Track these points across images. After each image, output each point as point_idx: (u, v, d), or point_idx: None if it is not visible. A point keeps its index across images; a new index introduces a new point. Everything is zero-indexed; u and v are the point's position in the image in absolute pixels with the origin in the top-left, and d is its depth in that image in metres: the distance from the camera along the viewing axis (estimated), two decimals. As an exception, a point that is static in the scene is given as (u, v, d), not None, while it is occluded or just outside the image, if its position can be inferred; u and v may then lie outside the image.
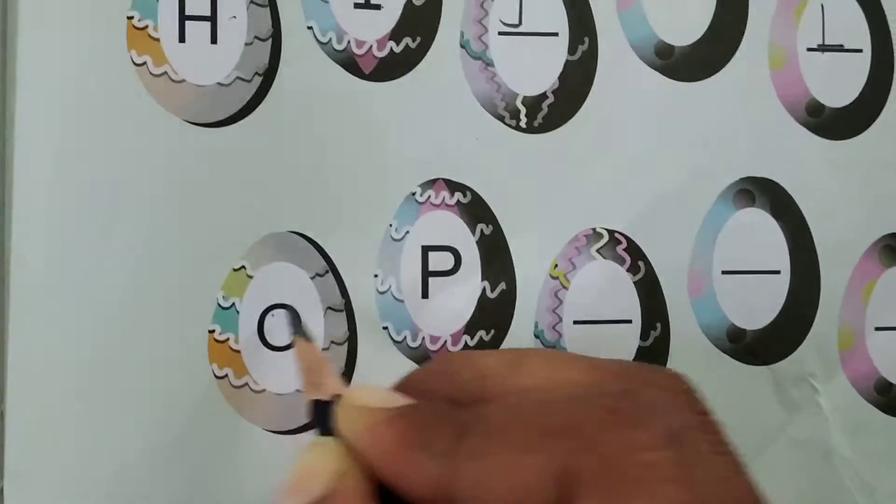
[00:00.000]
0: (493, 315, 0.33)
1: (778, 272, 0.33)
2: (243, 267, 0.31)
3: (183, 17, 0.30)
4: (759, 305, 0.34)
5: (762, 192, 0.34)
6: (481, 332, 0.33)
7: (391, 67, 0.32)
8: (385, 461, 0.21)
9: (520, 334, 0.33)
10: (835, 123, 0.34)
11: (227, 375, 0.31)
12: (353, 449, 0.22)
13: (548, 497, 0.19)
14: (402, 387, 0.23)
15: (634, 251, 0.33)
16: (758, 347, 0.34)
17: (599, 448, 0.18)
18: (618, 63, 0.33)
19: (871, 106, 0.34)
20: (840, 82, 0.34)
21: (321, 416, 0.24)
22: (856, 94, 0.34)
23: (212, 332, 0.31)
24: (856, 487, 0.34)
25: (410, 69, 0.32)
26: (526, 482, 0.19)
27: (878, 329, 0.34)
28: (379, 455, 0.21)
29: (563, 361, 0.23)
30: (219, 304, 0.31)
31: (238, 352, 0.31)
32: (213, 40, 0.31)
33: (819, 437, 0.34)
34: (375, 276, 0.32)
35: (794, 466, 0.34)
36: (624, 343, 0.33)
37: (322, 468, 0.22)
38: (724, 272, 0.34)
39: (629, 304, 0.33)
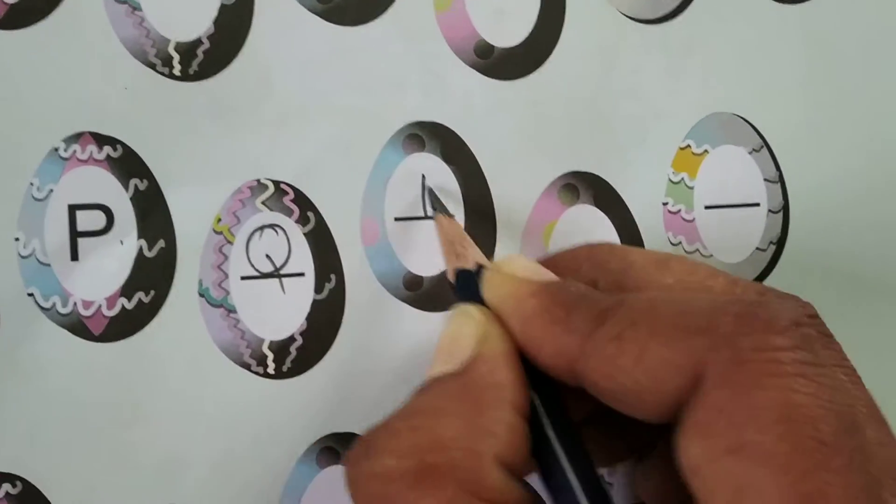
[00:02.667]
0: (152, 275, 0.31)
1: (452, 217, 0.33)
2: None
3: None
4: (433, 252, 0.33)
5: (432, 137, 0.33)
6: (140, 294, 0.31)
7: (23, 15, 0.30)
8: (526, 329, 0.23)
9: (183, 293, 0.32)
10: (505, 64, 0.34)
11: None
12: (496, 315, 0.24)
13: (674, 387, 0.20)
14: (549, 264, 0.25)
15: (303, 202, 0.32)
16: (436, 294, 0.33)
17: (733, 346, 0.19)
18: (276, 7, 0.32)
19: (542, 46, 0.34)
20: (508, 22, 0.34)
21: (464, 285, 0.25)
22: (525, 35, 0.34)
23: None
24: None
25: (47, 15, 0.30)
26: (658, 370, 0.20)
27: (562, 270, 0.34)
28: (521, 322, 0.23)
29: (706, 270, 0.24)
30: None
31: None
32: None
33: None
34: (16, 239, 0.30)
35: None
36: (300, 297, 0.32)
37: (466, 333, 0.23)
38: (396, 219, 0.33)
39: (301, 257, 0.32)
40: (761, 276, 0.36)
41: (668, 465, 0.23)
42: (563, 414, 0.23)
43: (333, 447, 0.32)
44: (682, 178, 0.35)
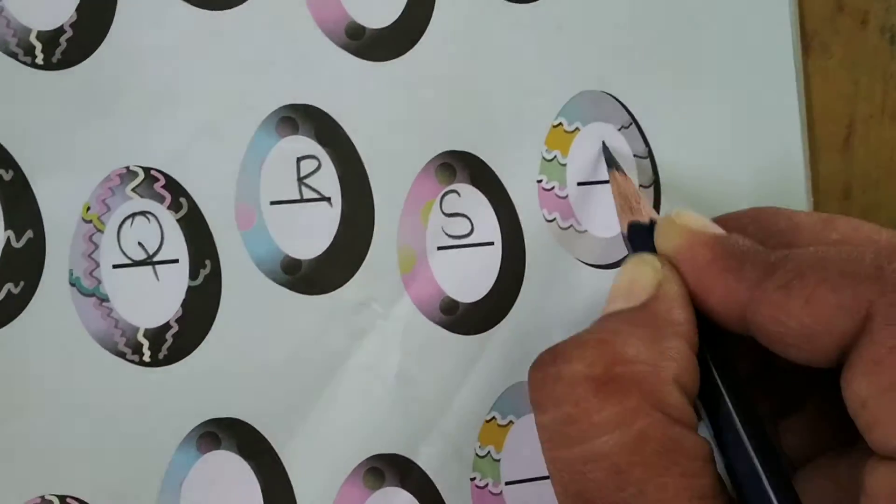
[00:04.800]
0: (21, 266, 0.31)
1: (328, 199, 0.33)
2: None
3: None
4: (311, 234, 0.33)
5: (304, 120, 0.33)
6: (9, 285, 0.31)
7: None
8: (698, 277, 0.25)
9: (54, 283, 0.31)
10: (377, 45, 0.34)
11: None
12: (671, 262, 0.26)
13: (842, 329, 0.22)
14: (720, 219, 0.27)
15: (174, 188, 0.32)
16: (315, 277, 0.33)
17: None
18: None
19: (413, 25, 0.34)
20: (378, 3, 0.34)
21: (640, 237, 0.28)
22: (396, 15, 0.34)
23: None
24: (426, 408, 0.34)
25: None
26: (828, 314, 0.22)
27: (440, 248, 0.34)
28: (693, 270, 0.25)
29: (870, 227, 0.26)
30: None
31: None
32: None
33: (386, 360, 0.34)
34: None
35: (364, 391, 0.34)
36: (174, 284, 0.32)
37: (644, 277, 0.26)
38: (272, 203, 0.33)
39: (174, 244, 0.32)
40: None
41: (815, 422, 0.28)
42: (730, 363, 0.26)
43: (214, 432, 0.32)
44: (556, 156, 0.35)
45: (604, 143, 0.35)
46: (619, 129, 0.36)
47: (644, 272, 0.26)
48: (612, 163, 0.32)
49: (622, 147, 0.35)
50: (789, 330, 0.23)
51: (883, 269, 0.22)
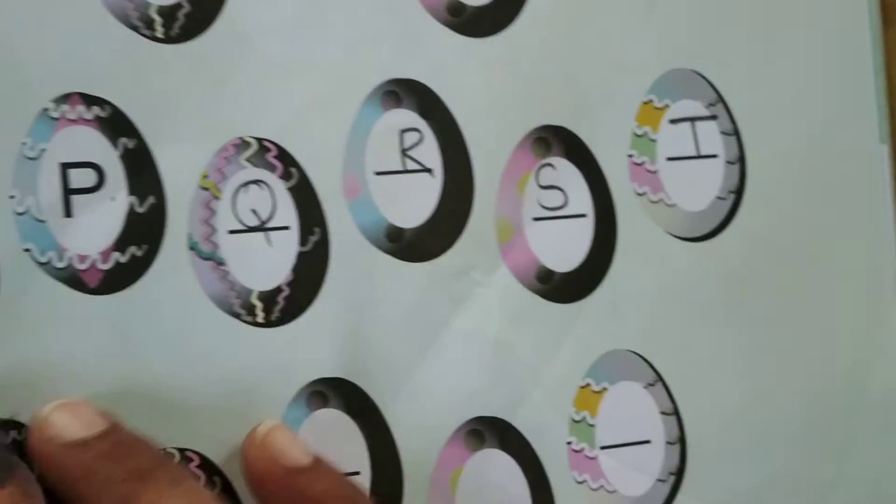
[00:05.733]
0: (143, 230, 0.32)
1: (430, 170, 0.34)
2: None
3: None
4: (413, 204, 0.34)
5: (408, 94, 0.34)
6: (132, 248, 0.32)
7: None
8: None
9: (174, 247, 0.33)
10: (477, 21, 0.35)
11: None
12: None
13: None
14: None
15: (285, 158, 0.33)
16: (417, 244, 0.34)
17: None
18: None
19: (512, 3, 0.35)
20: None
21: None
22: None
23: None
24: (522, 372, 0.35)
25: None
26: None
27: (535, 220, 0.36)
28: None
29: None
30: None
31: None
32: None
33: (485, 327, 0.35)
34: (12, 197, 0.31)
35: (464, 358, 0.35)
36: (286, 249, 0.33)
37: None
38: (377, 173, 0.34)
39: (286, 211, 0.33)
40: (724, 223, 0.38)
41: None
42: None
43: (322, 391, 0.33)
44: (646, 132, 0.37)
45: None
46: (707, 106, 0.37)
47: None
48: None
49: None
50: None
51: None
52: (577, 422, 0.36)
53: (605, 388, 0.36)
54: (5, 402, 0.30)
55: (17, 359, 0.31)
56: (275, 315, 0.33)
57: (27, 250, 0.31)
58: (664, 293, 0.37)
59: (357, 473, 0.34)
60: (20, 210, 0.31)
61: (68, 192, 0.32)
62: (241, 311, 0.33)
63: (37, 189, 0.31)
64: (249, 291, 0.33)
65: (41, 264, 0.31)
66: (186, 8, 0.33)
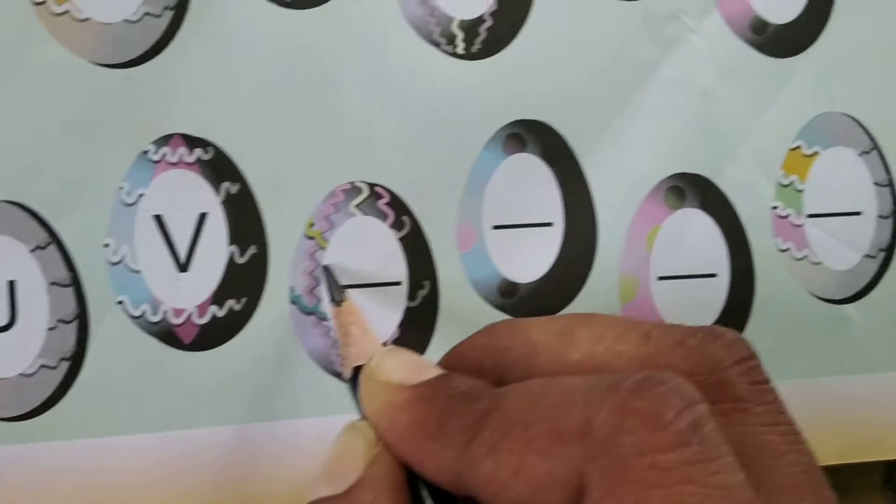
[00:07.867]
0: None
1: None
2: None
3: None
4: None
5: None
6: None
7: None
8: (403, 448, 0.20)
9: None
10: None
11: None
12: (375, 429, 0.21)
13: (559, 499, 0.18)
14: (449, 359, 0.22)
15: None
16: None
17: (611, 452, 0.17)
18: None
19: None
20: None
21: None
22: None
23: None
24: (729, 128, 0.33)
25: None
26: (539, 483, 0.18)
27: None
28: (397, 441, 0.21)
29: (615, 331, 0.21)
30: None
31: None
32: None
33: (693, 76, 0.33)
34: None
35: (669, 106, 0.33)
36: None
37: (353, 454, 0.21)
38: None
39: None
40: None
41: None
42: None
43: (520, 134, 0.31)
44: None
45: (324, 267, 0.31)
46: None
47: (355, 446, 0.21)
48: (334, 295, 0.28)
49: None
50: (507, 501, 0.19)
51: (591, 424, 0.18)
52: (784, 186, 0.33)
53: (816, 153, 0.33)
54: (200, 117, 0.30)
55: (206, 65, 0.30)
56: (476, 47, 0.32)
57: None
58: (884, 52, 0.34)
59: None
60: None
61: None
62: (441, 41, 0.31)
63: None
64: (450, 19, 0.32)
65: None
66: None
